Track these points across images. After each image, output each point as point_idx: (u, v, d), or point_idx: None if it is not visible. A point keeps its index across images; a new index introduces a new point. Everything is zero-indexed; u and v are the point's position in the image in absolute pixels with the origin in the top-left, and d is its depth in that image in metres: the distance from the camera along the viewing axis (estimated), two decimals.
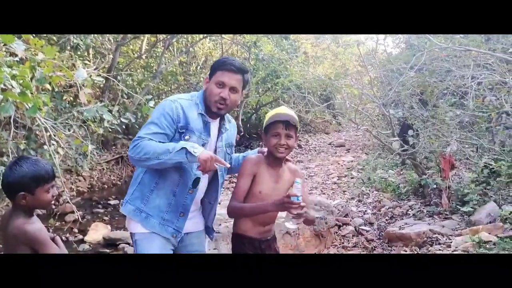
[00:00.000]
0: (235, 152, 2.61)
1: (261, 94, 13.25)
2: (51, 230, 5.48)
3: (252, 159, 2.32)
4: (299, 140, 14.71)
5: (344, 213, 5.74)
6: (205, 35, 10.85)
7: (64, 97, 7.46)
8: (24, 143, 5.52)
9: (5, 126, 5.97)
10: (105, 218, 6.55)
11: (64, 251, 1.94)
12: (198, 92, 2.30)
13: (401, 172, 7.82)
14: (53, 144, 4.58)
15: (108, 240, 5.41)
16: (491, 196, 4.88)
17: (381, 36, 6.82)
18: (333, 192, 7.46)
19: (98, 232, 5.64)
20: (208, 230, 2.44)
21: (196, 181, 2.13)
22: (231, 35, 11.37)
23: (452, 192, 5.24)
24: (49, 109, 4.30)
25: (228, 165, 2.11)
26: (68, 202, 5.14)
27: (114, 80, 5.91)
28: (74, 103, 7.74)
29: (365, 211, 6.09)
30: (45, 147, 5.08)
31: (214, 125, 2.29)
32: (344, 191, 7.45)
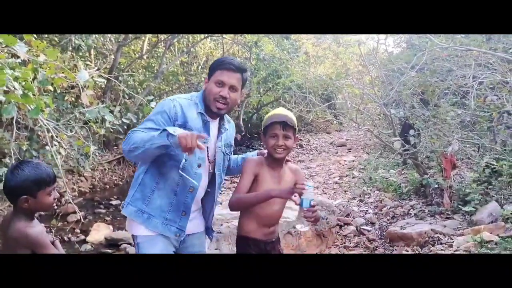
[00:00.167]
0: (236, 153, 2.62)
1: (262, 94, 13.25)
2: (53, 231, 5.50)
3: (253, 160, 2.33)
4: (301, 139, 14.72)
5: (346, 213, 5.75)
6: (206, 35, 10.86)
7: (66, 98, 7.48)
8: (27, 144, 5.53)
9: (7, 127, 5.98)
10: (107, 218, 6.56)
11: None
12: (197, 93, 2.31)
13: (403, 172, 7.81)
14: (55, 145, 4.59)
15: (110, 240, 5.42)
16: (493, 196, 4.88)
17: (382, 36, 6.83)
18: (334, 192, 7.46)
19: (100, 232, 5.65)
20: (208, 230, 2.45)
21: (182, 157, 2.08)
22: (232, 35, 11.37)
23: (454, 191, 5.24)
24: (51, 110, 4.31)
25: (206, 136, 2.06)
26: (70, 202, 5.14)
27: (116, 80, 5.93)
28: (76, 103, 7.76)
29: (367, 211, 6.09)
30: (47, 147, 5.10)
31: (214, 125, 2.30)
32: (345, 191, 7.45)
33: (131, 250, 5.00)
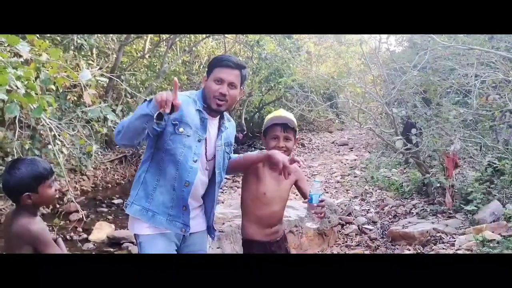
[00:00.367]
0: (238, 152, 2.62)
1: (264, 93, 13.27)
2: (55, 230, 5.52)
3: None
4: (302, 139, 14.73)
5: (347, 212, 5.75)
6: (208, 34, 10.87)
7: (68, 97, 7.49)
8: (29, 143, 5.56)
9: (9, 126, 6.01)
10: (109, 217, 6.58)
11: (65, 253, 1.95)
12: (196, 91, 2.32)
13: (405, 171, 7.81)
14: (57, 144, 4.60)
15: (112, 239, 5.43)
16: (495, 195, 4.87)
17: (384, 35, 6.82)
18: (336, 191, 7.46)
19: (102, 231, 5.66)
20: (209, 229, 2.45)
21: (159, 115, 1.98)
22: (234, 34, 11.37)
23: (456, 190, 5.23)
24: (54, 109, 4.33)
25: (176, 82, 2.03)
26: (72, 201, 5.16)
27: (118, 79, 5.94)
28: (78, 103, 7.77)
29: (368, 210, 6.09)
30: (50, 146, 5.12)
31: (214, 123, 2.30)
32: (347, 190, 7.45)
33: (133, 248, 5.01)
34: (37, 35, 3.16)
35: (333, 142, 14.60)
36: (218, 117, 2.33)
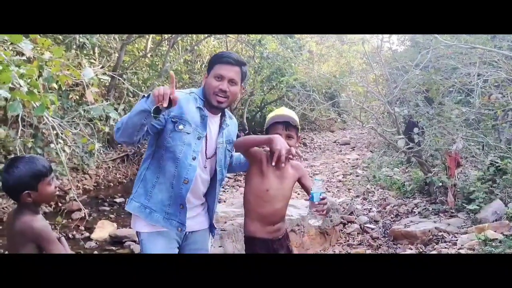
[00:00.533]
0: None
1: (266, 92, 13.26)
2: (58, 228, 5.53)
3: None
4: (304, 138, 14.72)
5: (349, 211, 5.75)
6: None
7: (70, 96, 7.50)
8: (31, 141, 5.57)
9: (11, 124, 6.02)
10: (111, 216, 6.58)
11: (68, 251, 1.95)
12: (197, 88, 2.32)
13: (407, 170, 7.81)
14: (59, 142, 4.61)
15: (114, 237, 5.44)
16: (497, 194, 4.87)
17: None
18: (338, 190, 7.46)
19: (104, 230, 5.67)
20: (210, 227, 2.45)
21: (156, 110, 1.95)
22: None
23: (458, 190, 5.23)
24: (56, 108, 4.33)
25: (173, 76, 1.99)
26: (75, 200, 5.17)
27: (120, 78, 5.94)
28: (80, 101, 7.79)
29: (370, 209, 6.09)
30: (52, 145, 5.12)
31: (215, 120, 2.30)
32: (349, 189, 7.44)
33: (135, 247, 5.02)
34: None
35: (335, 141, 14.59)
36: (220, 114, 2.33)
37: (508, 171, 4.88)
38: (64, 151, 4.77)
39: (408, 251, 4.41)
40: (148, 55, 11.08)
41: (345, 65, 13.89)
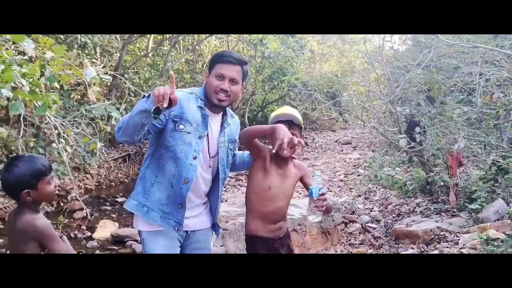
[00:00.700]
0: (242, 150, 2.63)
1: (267, 91, 13.25)
2: (59, 228, 5.54)
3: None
4: (305, 138, 14.71)
5: (351, 211, 5.75)
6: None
7: (72, 95, 7.51)
8: (33, 141, 5.58)
9: (13, 124, 6.03)
10: (113, 215, 6.60)
11: (71, 249, 1.96)
12: (198, 88, 2.32)
13: (408, 170, 7.80)
14: (61, 142, 4.61)
15: (116, 237, 5.45)
16: (499, 194, 4.86)
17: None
18: (339, 190, 7.46)
19: (106, 229, 5.68)
20: (214, 226, 2.46)
21: (156, 110, 1.95)
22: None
23: (460, 189, 5.22)
24: (58, 107, 4.34)
25: (173, 76, 2.00)
26: (76, 199, 5.18)
27: (121, 78, 5.95)
28: (82, 101, 7.80)
29: (372, 208, 6.09)
30: (54, 145, 5.13)
31: (216, 120, 2.31)
32: (350, 189, 7.44)
33: (137, 246, 5.03)
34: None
35: (336, 141, 14.58)
36: (221, 113, 2.33)
37: (510, 171, 4.87)
38: (66, 150, 4.77)
39: (410, 251, 4.40)
40: (150, 55, 11.09)
41: (346, 65, 13.87)
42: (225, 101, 2.21)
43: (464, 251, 3.93)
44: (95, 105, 3.25)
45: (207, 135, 2.24)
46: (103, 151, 8.15)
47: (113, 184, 8.66)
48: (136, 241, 5.14)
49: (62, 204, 6.50)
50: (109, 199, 7.47)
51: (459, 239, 4.25)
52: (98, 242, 5.40)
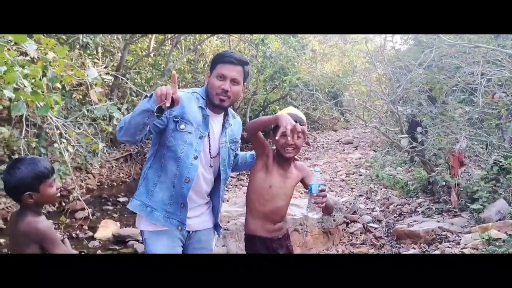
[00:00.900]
0: (243, 150, 2.63)
1: (269, 91, 13.24)
2: (61, 228, 5.55)
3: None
4: (307, 137, 14.70)
5: (352, 210, 5.75)
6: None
7: (74, 96, 7.52)
8: (35, 141, 5.59)
9: (15, 124, 6.04)
10: (115, 215, 6.60)
11: (71, 252, 1.96)
12: (200, 88, 2.33)
13: (410, 169, 7.79)
14: (63, 142, 4.62)
15: (118, 237, 5.46)
16: (501, 194, 4.85)
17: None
18: (341, 189, 7.45)
19: (107, 229, 5.69)
20: (216, 226, 2.46)
21: (159, 109, 1.96)
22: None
23: (461, 189, 5.22)
24: (60, 108, 4.35)
25: (175, 75, 2.00)
26: (78, 199, 5.19)
27: (123, 78, 5.96)
28: (83, 101, 7.81)
29: (373, 208, 6.09)
30: (56, 145, 5.14)
31: (218, 120, 2.31)
32: (352, 188, 7.44)
33: (139, 246, 5.03)
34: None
35: (338, 141, 14.57)
36: (223, 114, 2.34)
37: None
38: (67, 150, 4.78)
39: (411, 251, 4.41)
40: (151, 55, 11.09)
41: (348, 64, 13.86)
42: (226, 102, 2.22)
43: (466, 251, 3.93)
44: (97, 106, 3.26)
45: (208, 135, 2.24)
46: (105, 151, 8.16)
47: (115, 184, 8.67)
48: (138, 241, 5.15)
49: (64, 204, 6.51)
50: (111, 199, 7.48)
51: (460, 239, 4.25)
52: (99, 242, 5.41)
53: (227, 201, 5.71)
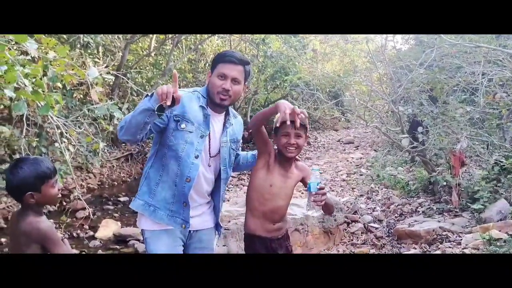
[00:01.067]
0: (244, 150, 2.63)
1: (270, 91, 13.25)
2: (62, 227, 5.55)
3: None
4: (308, 137, 14.70)
5: (353, 210, 5.74)
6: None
7: (74, 95, 7.53)
8: (36, 140, 5.59)
9: (16, 123, 6.05)
10: (115, 215, 6.61)
11: (71, 252, 1.96)
12: (201, 87, 2.33)
13: (411, 169, 7.78)
14: (64, 142, 4.63)
15: (118, 236, 5.46)
16: (502, 194, 4.85)
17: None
18: (342, 189, 7.45)
19: (108, 228, 5.69)
20: (216, 226, 2.47)
21: (160, 108, 1.95)
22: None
23: (462, 189, 5.21)
24: (60, 107, 4.35)
25: (176, 74, 1.99)
26: (79, 199, 5.19)
27: (124, 77, 5.96)
28: (84, 100, 7.81)
29: (374, 208, 6.08)
30: (56, 144, 5.14)
31: (219, 119, 2.32)
32: (353, 188, 7.43)
33: (139, 246, 5.04)
34: None
35: (338, 140, 14.57)
36: (224, 113, 2.34)
37: None
38: (68, 150, 4.79)
39: (412, 251, 4.40)
40: (152, 54, 11.09)
41: (349, 64, 13.87)
42: (226, 101, 2.22)
43: (467, 251, 3.92)
44: (98, 105, 3.26)
45: (209, 134, 2.24)
46: (106, 150, 8.16)
47: (116, 183, 8.67)
48: (139, 240, 5.15)
49: (64, 203, 6.51)
50: (112, 199, 7.49)
51: (461, 239, 4.24)
52: (100, 242, 5.41)
53: (228, 200, 5.71)
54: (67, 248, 1.92)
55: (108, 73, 3.96)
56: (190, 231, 2.29)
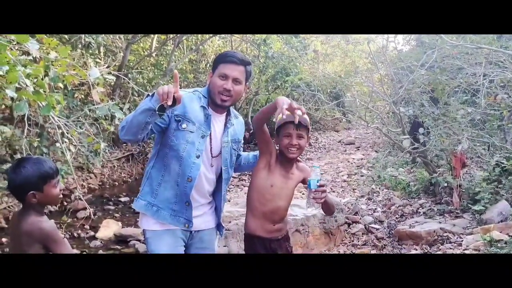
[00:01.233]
0: (245, 151, 2.63)
1: (271, 91, 13.25)
2: (63, 227, 5.56)
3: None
4: (309, 137, 14.68)
5: (354, 211, 5.74)
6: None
7: (76, 95, 7.53)
8: (37, 140, 5.59)
9: (17, 123, 6.05)
10: (116, 215, 6.61)
11: (72, 252, 1.96)
12: (202, 88, 2.34)
13: (412, 170, 7.77)
14: (65, 142, 4.63)
15: (119, 236, 5.46)
16: (503, 195, 4.85)
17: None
18: (342, 190, 7.45)
19: (109, 229, 5.70)
20: (218, 226, 2.47)
21: (161, 108, 1.96)
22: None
23: (463, 190, 5.21)
24: (61, 107, 4.36)
25: (177, 74, 1.98)
26: (80, 199, 5.19)
27: (125, 78, 5.96)
28: (85, 101, 7.81)
29: (375, 209, 6.08)
30: (58, 144, 5.15)
31: (220, 119, 2.32)
32: (354, 189, 7.43)
33: (140, 246, 5.04)
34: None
35: (339, 141, 14.56)
36: (225, 113, 2.34)
37: None
38: (69, 150, 4.79)
39: (413, 252, 4.40)
40: (153, 55, 11.10)
41: (350, 65, 13.87)
42: (228, 101, 2.23)
43: (468, 252, 3.92)
44: (99, 105, 3.25)
45: (210, 134, 2.24)
46: (107, 150, 8.16)
47: (117, 183, 8.68)
48: (139, 240, 5.15)
49: (65, 203, 6.51)
50: (113, 199, 7.49)
51: (462, 241, 4.24)
52: (101, 242, 5.42)
53: (229, 201, 5.71)
54: (69, 248, 1.93)
55: (109, 73, 3.96)
56: (191, 231, 2.29)
